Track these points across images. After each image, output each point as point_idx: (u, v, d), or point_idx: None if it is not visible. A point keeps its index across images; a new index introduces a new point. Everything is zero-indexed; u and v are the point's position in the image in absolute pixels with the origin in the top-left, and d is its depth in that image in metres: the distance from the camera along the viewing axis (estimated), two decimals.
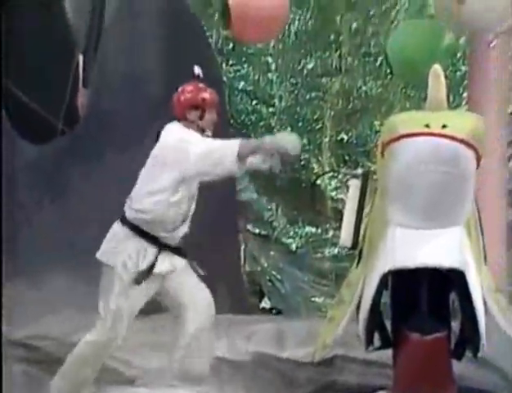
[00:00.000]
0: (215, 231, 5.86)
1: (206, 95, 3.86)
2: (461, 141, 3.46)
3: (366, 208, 3.78)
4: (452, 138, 3.46)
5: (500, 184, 5.19)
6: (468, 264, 3.53)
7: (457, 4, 3.93)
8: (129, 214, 3.79)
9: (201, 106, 3.85)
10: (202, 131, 3.85)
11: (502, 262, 5.11)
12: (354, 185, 3.82)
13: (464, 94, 5.90)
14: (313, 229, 6.35)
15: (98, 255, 3.82)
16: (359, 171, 3.92)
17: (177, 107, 3.87)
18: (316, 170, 6.29)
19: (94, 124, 5.89)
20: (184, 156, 3.67)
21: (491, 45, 4.62)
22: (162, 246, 3.79)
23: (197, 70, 3.93)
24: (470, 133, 3.50)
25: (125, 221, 3.78)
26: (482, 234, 3.71)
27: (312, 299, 6.13)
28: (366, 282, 3.61)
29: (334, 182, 6.26)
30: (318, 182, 6.20)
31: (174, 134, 3.79)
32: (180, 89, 3.90)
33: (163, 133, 3.84)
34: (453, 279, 3.59)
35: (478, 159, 3.55)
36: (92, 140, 5.82)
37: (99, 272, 3.86)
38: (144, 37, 5.92)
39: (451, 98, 6.05)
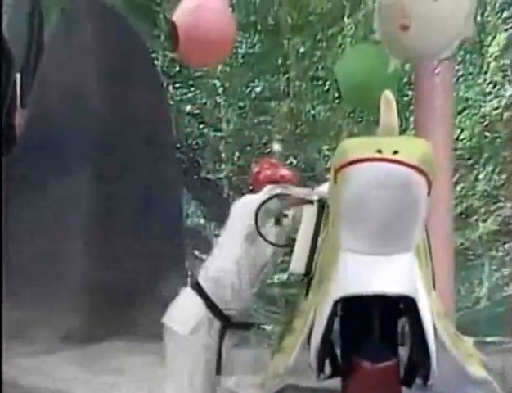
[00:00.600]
0: (160, 258, 5.83)
1: (285, 172, 3.98)
2: (413, 167, 3.49)
3: (321, 234, 3.80)
4: (404, 164, 3.48)
5: (446, 209, 5.28)
6: (418, 290, 3.57)
7: (401, 31, 4.00)
8: (203, 282, 3.81)
9: (280, 182, 3.94)
10: None
11: (449, 287, 5.19)
12: (309, 211, 3.83)
13: (411, 119, 6.02)
14: None
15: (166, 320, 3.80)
16: (315, 197, 3.92)
17: (256, 182, 3.97)
18: None
19: (32, 145, 5.83)
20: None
21: (436, 71, 4.73)
22: (226, 320, 3.82)
23: (277, 147, 4.11)
24: (421, 159, 3.55)
25: (197, 288, 3.81)
26: (431, 259, 3.77)
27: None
28: (317, 310, 3.63)
29: None
30: None
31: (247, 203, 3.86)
32: (259, 165, 4.04)
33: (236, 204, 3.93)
34: (403, 306, 3.63)
35: (429, 185, 3.60)
36: (30, 162, 5.75)
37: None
38: (84, 57, 5.89)
39: (399, 122, 6.16)
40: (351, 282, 3.53)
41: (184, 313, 3.80)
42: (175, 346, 3.77)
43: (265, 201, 3.80)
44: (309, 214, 3.79)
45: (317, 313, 3.60)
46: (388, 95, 3.67)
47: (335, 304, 3.56)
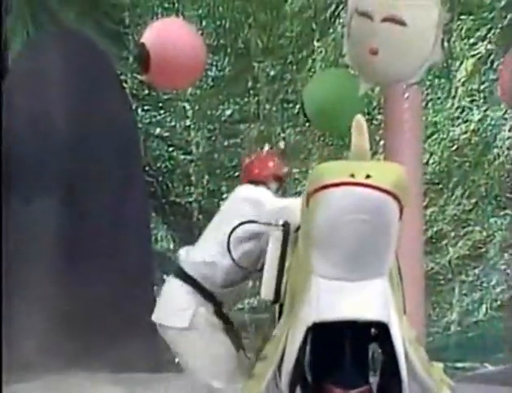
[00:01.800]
0: (128, 283, 5.85)
1: (286, 169, 4.19)
2: (385, 191, 3.55)
3: (287, 260, 3.85)
4: (377, 188, 3.54)
5: (416, 234, 5.40)
6: (391, 316, 3.65)
7: (370, 55, 4.11)
8: (189, 268, 3.89)
9: (283, 179, 4.17)
10: None
11: (420, 312, 5.29)
12: (275, 236, 3.90)
13: (381, 143, 6.14)
14: None
15: (158, 319, 3.87)
16: (280, 222, 3.99)
17: (252, 174, 4.12)
18: None
19: None
20: (262, 209, 3.91)
21: (405, 96, 4.86)
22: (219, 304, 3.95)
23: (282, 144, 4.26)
24: (394, 184, 3.60)
25: (183, 276, 3.89)
26: (402, 284, 3.84)
27: None
28: (289, 335, 3.68)
29: None
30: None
31: (250, 189, 4.04)
32: (264, 156, 4.17)
33: (237, 190, 4.08)
34: (376, 332, 3.70)
35: (401, 209, 3.68)
36: None
37: None
38: (52, 79, 5.94)
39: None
40: (323, 308, 3.59)
41: (178, 305, 3.90)
42: (182, 342, 3.87)
43: (235, 227, 3.89)
44: (275, 239, 3.87)
45: (289, 338, 3.68)
46: (360, 119, 3.75)
47: (308, 329, 3.62)
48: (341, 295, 3.58)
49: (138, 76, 6.25)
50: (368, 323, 3.66)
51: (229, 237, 3.88)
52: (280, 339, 3.70)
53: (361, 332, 3.75)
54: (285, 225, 3.89)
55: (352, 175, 3.55)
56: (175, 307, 3.92)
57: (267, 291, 3.88)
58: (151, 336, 6.07)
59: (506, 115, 6.46)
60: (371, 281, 3.61)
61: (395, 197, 3.59)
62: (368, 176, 3.54)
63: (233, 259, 3.88)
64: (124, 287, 5.81)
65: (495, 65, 6.35)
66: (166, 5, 6.58)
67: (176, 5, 6.59)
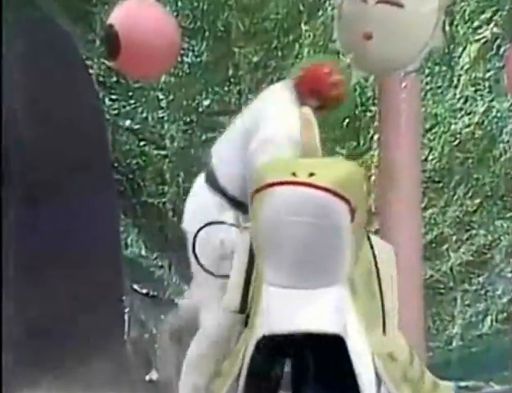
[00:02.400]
0: (93, 292, 5.81)
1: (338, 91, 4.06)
2: (329, 190, 3.57)
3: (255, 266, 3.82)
4: (319, 188, 3.56)
5: (414, 238, 5.36)
6: (348, 327, 3.61)
7: (364, 40, 4.11)
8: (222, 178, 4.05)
9: (327, 100, 4.05)
10: None
11: (418, 325, 5.26)
12: (243, 239, 3.86)
13: (375, 137, 6.11)
14: None
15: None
16: (248, 223, 3.94)
17: (301, 85, 4.03)
18: None
19: None
20: None
21: (403, 85, 4.85)
22: None
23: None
24: (341, 182, 3.64)
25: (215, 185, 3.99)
26: (381, 294, 3.80)
27: None
28: (247, 349, 3.67)
29: None
30: None
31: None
32: (326, 68, 4.09)
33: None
34: (335, 345, 3.66)
35: (352, 210, 3.64)
36: None
37: None
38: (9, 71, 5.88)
39: (362, 141, 6.26)
40: (273, 320, 3.65)
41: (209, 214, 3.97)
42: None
43: (200, 229, 3.85)
44: (242, 242, 3.82)
45: (246, 351, 3.68)
46: (307, 113, 3.77)
47: (261, 341, 3.62)
48: (290, 305, 3.58)
49: (105, 61, 6.18)
50: (331, 336, 3.64)
51: (195, 237, 3.85)
52: (239, 352, 3.70)
53: (326, 344, 3.68)
54: None
55: (294, 174, 3.54)
56: (206, 216, 3.95)
57: (230, 299, 3.82)
58: (118, 350, 6.05)
59: None
60: (324, 289, 3.60)
61: (341, 197, 3.58)
62: (311, 174, 3.56)
63: (200, 265, 3.86)
64: (90, 298, 5.76)
65: (501, 51, 6.32)
66: None
67: None
